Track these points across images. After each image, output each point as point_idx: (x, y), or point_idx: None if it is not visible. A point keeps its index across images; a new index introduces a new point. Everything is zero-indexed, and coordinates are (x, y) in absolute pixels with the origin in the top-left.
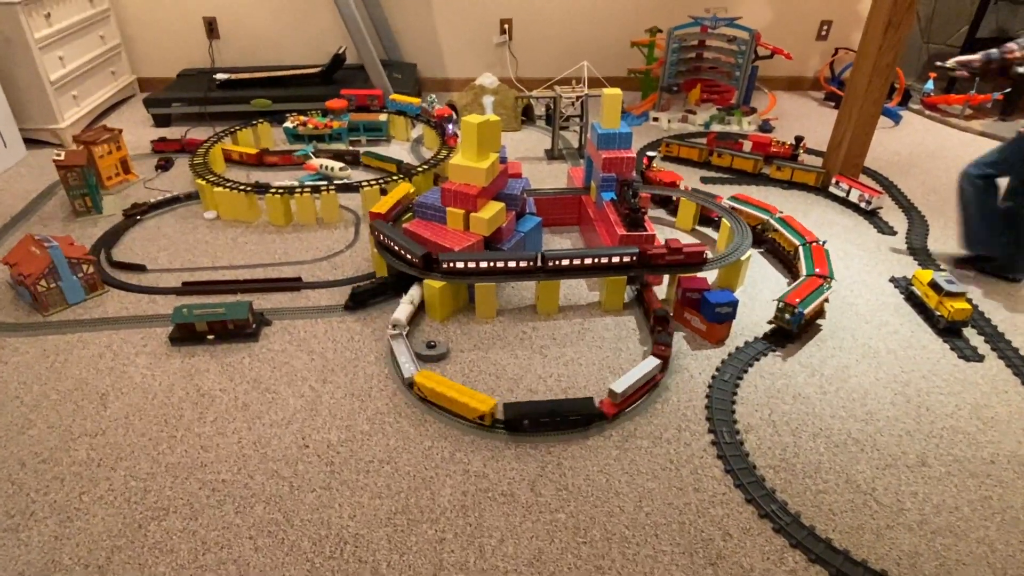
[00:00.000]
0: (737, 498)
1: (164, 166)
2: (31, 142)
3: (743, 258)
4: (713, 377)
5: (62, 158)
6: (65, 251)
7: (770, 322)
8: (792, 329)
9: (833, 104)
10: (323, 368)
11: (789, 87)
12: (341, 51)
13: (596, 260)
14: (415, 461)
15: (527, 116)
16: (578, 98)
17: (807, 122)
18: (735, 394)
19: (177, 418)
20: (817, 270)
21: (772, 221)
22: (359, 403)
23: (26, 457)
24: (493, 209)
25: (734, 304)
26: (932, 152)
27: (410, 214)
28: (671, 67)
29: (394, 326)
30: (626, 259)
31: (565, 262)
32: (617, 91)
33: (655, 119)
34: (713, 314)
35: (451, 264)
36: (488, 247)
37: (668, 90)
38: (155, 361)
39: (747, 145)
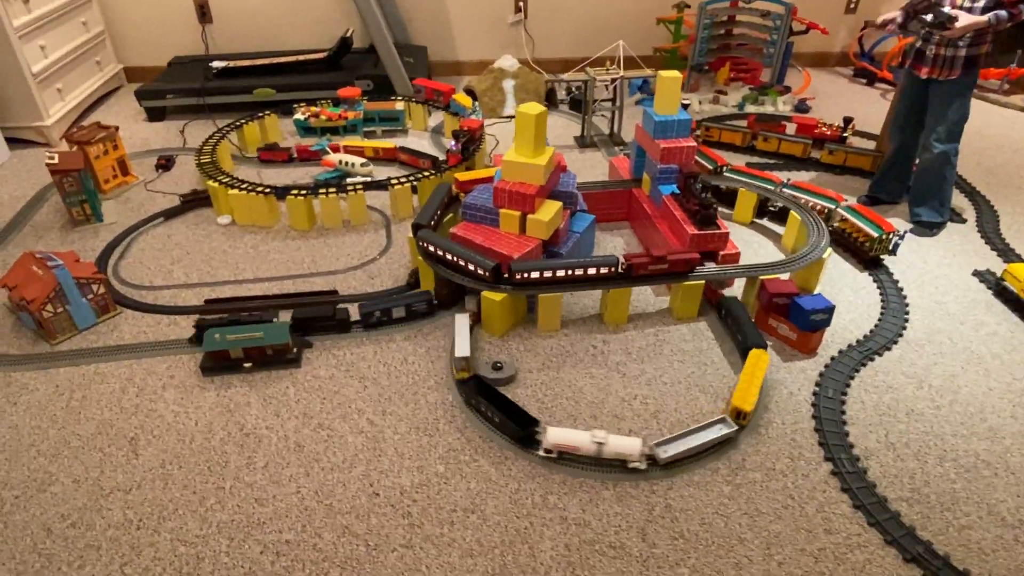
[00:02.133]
0: (875, 539)
1: (165, 166)
2: (13, 142)
3: (824, 256)
4: (815, 394)
5: (56, 162)
6: (71, 270)
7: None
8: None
9: (864, 80)
10: (379, 397)
11: (815, 63)
12: (348, 34)
13: (570, 272)
14: (503, 508)
15: (549, 100)
16: (613, 81)
17: (841, 100)
18: (843, 413)
19: (222, 465)
20: None
21: (841, 211)
22: (427, 439)
23: (52, 521)
24: (551, 210)
25: (830, 310)
26: (978, 130)
27: (449, 216)
28: (701, 44)
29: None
30: (604, 271)
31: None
32: (675, 74)
33: (685, 100)
34: (807, 322)
35: (525, 275)
36: (544, 251)
37: (698, 69)
38: (186, 395)
39: (790, 128)
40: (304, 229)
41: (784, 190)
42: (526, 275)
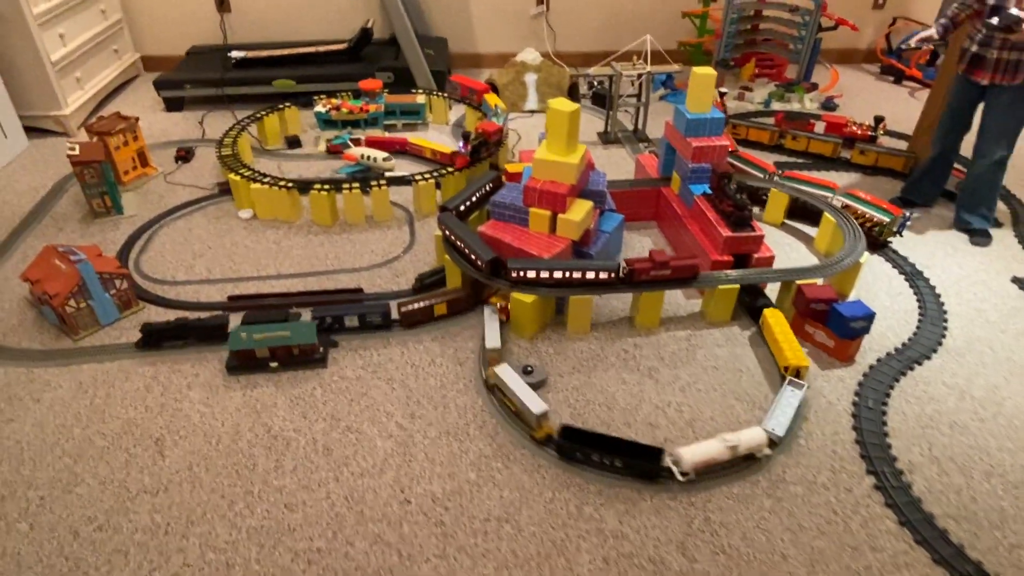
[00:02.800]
0: (923, 558)
1: (185, 157)
2: (31, 131)
3: (861, 260)
4: (855, 404)
5: (76, 153)
6: (95, 264)
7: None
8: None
9: (892, 78)
10: (407, 400)
11: (840, 60)
12: (369, 24)
13: (567, 275)
14: (538, 518)
15: (571, 95)
16: (639, 76)
17: (868, 98)
18: (885, 424)
19: (250, 468)
20: None
21: (840, 198)
22: (458, 444)
23: (78, 524)
24: (583, 209)
25: (870, 318)
26: None
27: (476, 212)
28: (728, 39)
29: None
30: (603, 275)
31: (543, 275)
32: (709, 71)
33: (722, 90)
34: (846, 329)
35: (521, 273)
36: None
37: (724, 65)
38: (212, 395)
39: (819, 126)
40: (327, 224)
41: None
42: (521, 273)
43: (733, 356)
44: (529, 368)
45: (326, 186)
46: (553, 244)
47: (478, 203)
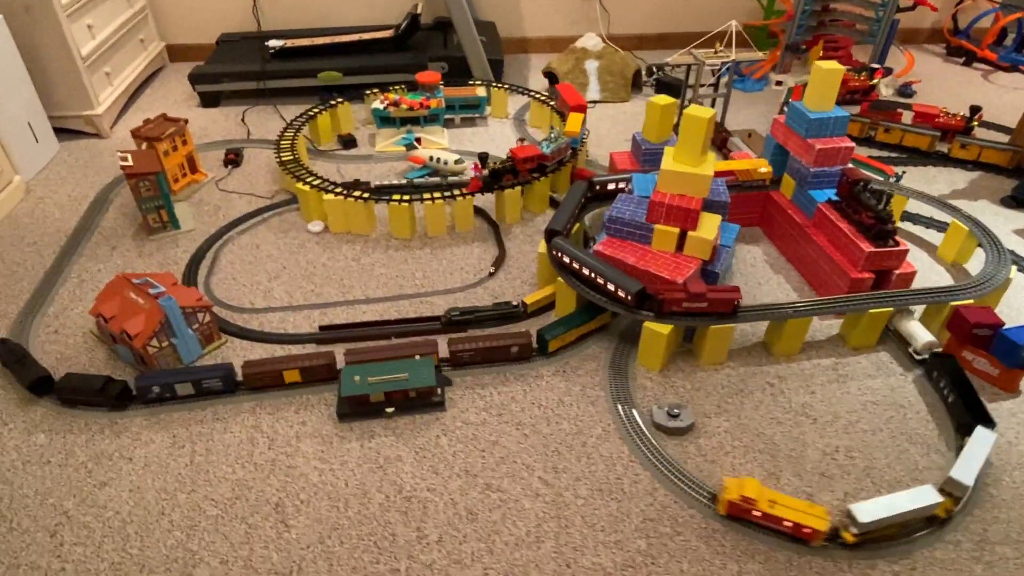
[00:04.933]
0: None
1: (234, 161)
2: (60, 132)
3: (1011, 276)
4: None
5: (131, 164)
6: (177, 297)
7: None
8: None
9: (962, 60)
10: (544, 449)
11: (903, 40)
12: (417, 10)
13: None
14: None
15: (634, 84)
16: (723, 64)
17: (939, 83)
18: None
19: (390, 539)
20: None
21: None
22: (616, 504)
23: None
24: (713, 225)
25: None
26: None
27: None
28: (802, 20)
29: None
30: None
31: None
32: (836, 65)
33: (777, 83)
34: (1016, 358)
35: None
36: None
37: (795, 49)
38: (327, 447)
39: (906, 116)
40: (406, 238)
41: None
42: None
43: (889, 388)
44: (675, 411)
45: (406, 196)
46: (683, 265)
47: (578, 219)
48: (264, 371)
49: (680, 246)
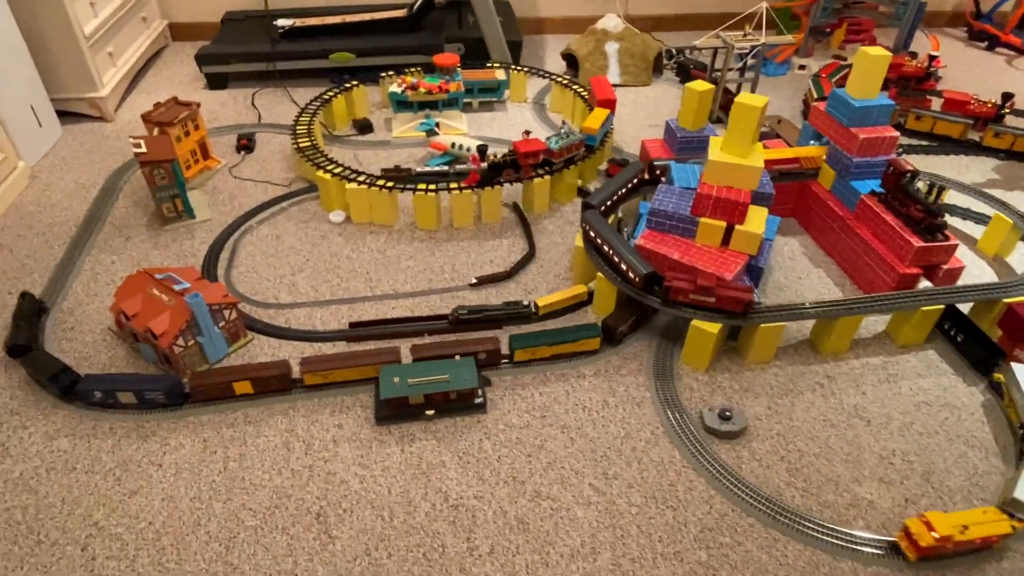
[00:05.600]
0: None
1: (247, 146)
2: (63, 115)
3: None
4: None
5: (145, 151)
6: (202, 294)
7: None
8: None
9: (984, 44)
10: (593, 455)
11: (924, 23)
12: None
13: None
14: None
15: (655, 67)
16: (752, 48)
17: (963, 67)
18: None
19: (439, 551)
20: None
21: None
22: (672, 513)
23: None
24: (760, 219)
25: None
26: None
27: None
28: (827, 3)
29: None
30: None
31: None
32: (882, 51)
33: (801, 67)
34: None
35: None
36: None
37: (820, 32)
38: (366, 452)
39: (935, 103)
40: (431, 229)
41: None
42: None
43: (941, 388)
44: (727, 412)
45: (432, 186)
46: (730, 260)
47: (622, 200)
48: (212, 383)
49: (725, 240)
